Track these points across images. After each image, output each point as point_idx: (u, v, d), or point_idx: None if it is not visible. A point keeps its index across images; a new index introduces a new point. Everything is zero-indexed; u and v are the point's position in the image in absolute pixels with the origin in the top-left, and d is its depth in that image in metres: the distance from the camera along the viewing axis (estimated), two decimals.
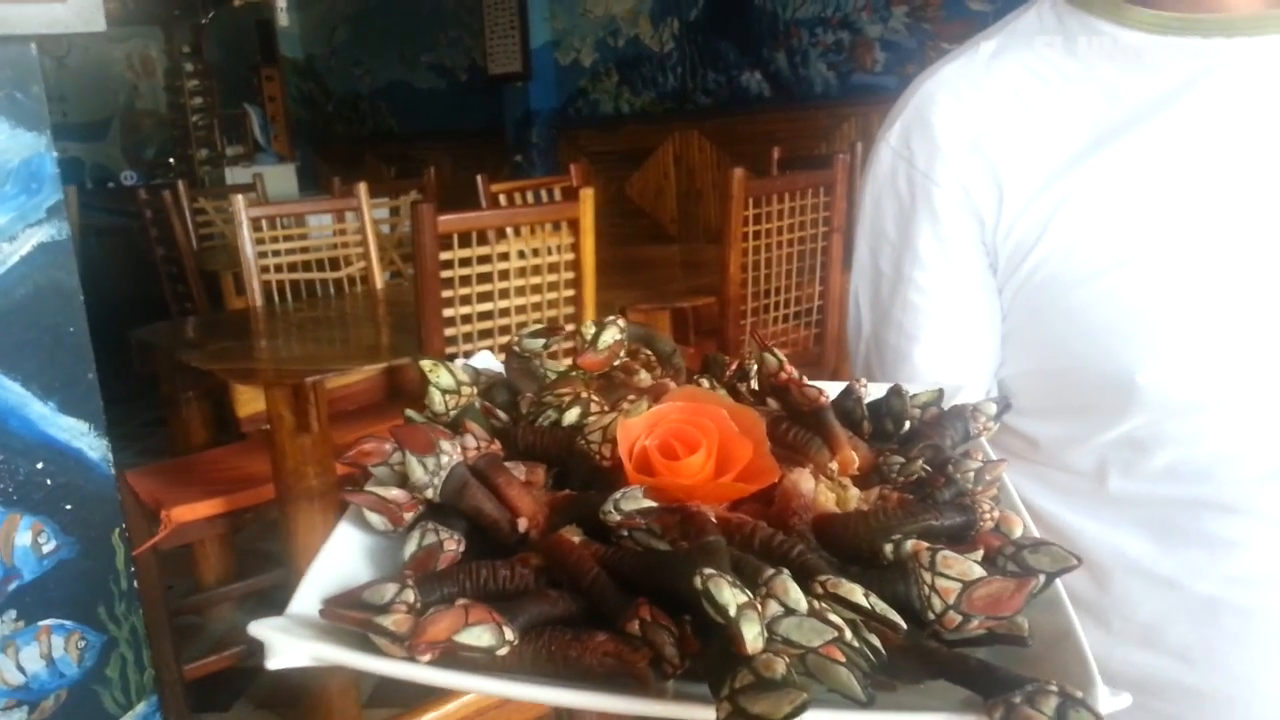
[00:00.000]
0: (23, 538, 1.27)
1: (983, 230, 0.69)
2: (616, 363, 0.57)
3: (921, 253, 0.72)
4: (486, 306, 2.16)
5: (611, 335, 0.56)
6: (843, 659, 0.37)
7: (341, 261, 3.25)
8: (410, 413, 0.53)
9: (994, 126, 0.68)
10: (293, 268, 3.14)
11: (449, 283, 2.10)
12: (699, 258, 3.20)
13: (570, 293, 2.25)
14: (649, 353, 0.61)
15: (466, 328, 2.14)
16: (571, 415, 0.52)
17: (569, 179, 3.79)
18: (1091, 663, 0.39)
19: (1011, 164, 0.67)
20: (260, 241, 3.00)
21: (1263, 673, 0.67)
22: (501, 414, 0.55)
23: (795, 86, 4.57)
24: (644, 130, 5.20)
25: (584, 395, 0.53)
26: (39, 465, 1.25)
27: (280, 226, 3.17)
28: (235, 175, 6.09)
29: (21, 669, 1.30)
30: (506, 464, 0.48)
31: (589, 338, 0.57)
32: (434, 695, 0.76)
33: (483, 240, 2.16)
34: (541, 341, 0.59)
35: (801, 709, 0.34)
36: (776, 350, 0.52)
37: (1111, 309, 0.65)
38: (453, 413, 0.52)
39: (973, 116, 0.69)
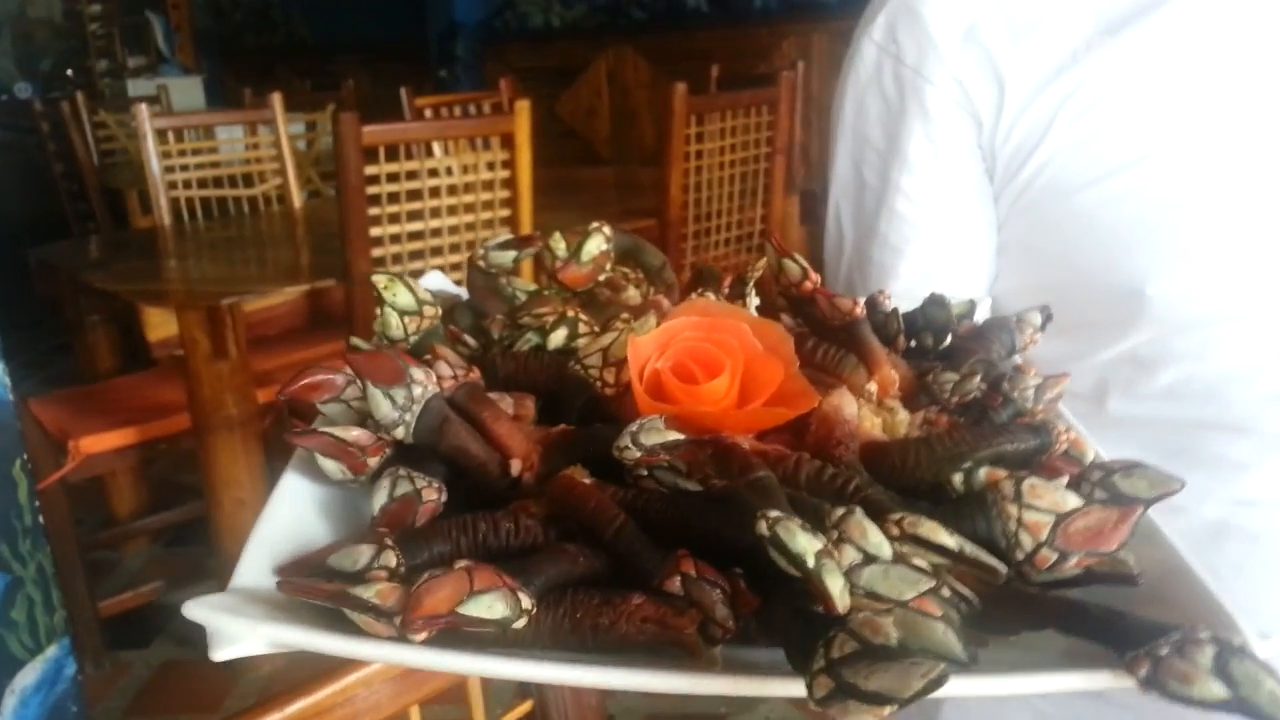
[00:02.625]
0: None
1: (980, 132, 0.63)
2: (601, 278, 0.49)
3: (911, 157, 0.65)
4: (416, 226, 2.04)
5: (596, 245, 0.48)
6: (938, 613, 0.31)
7: (255, 178, 3.06)
8: (356, 341, 0.44)
9: (991, 14, 0.62)
10: (202, 184, 2.94)
11: (375, 200, 1.98)
12: (634, 180, 3.09)
13: (505, 213, 2.14)
14: (626, 270, 0.53)
15: (395, 248, 2.02)
16: (558, 338, 0.44)
17: (498, 95, 3.63)
18: (1221, 600, 0.35)
19: (1012, 55, 0.61)
20: (167, 155, 2.79)
21: (1267, 598, 0.64)
22: (470, 339, 0.46)
23: (734, 2, 4.42)
24: (575, 46, 5.00)
25: (570, 314, 0.45)
26: None
27: (188, 139, 2.96)
28: (138, 88, 5.72)
29: None
30: (490, 395, 0.40)
31: (566, 250, 0.48)
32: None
33: (410, 155, 2.03)
34: (511, 254, 0.50)
35: (939, 682, 0.27)
36: (798, 256, 0.45)
37: (1121, 214, 0.60)
38: (413, 338, 0.43)
39: (967, 3, 0.62)
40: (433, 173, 2.04)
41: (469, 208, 2.10)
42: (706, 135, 2.42)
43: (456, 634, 0.31)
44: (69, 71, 6.77)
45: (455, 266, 2.12)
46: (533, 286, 0.50)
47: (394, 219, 2.01)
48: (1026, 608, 0.33)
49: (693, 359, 0.40)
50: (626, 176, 3.40)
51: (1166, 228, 0.59)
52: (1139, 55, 0.59)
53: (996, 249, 0.67)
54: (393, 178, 1.99)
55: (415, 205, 2.03)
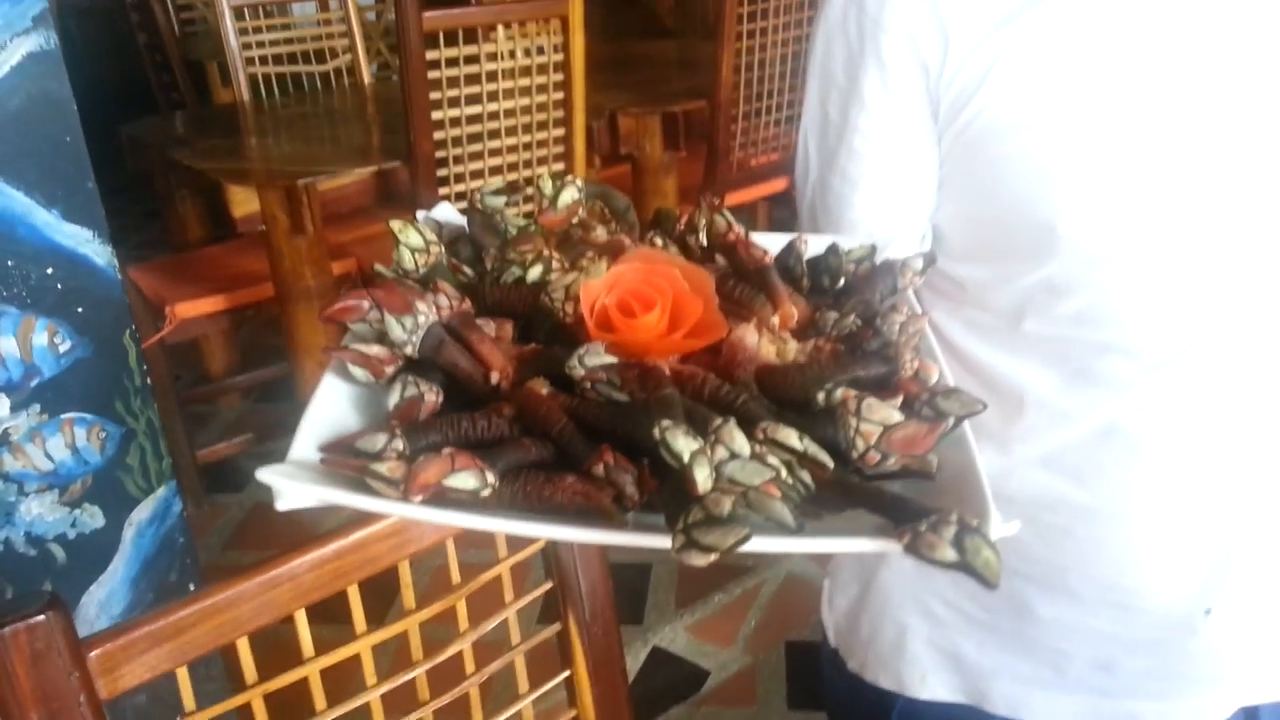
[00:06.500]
0: (40, 338, 1.35)
1: (927, 78, 0.70)
2: (575, 220, 0.61)
3: (867, 99, 0.73)
4: (476, 109, 2.14)
5: (570, 195, 0.60)
6: (778, 494, 0.43)
7: (327, 54, 3.18)
8: (380, 268, 0.57)
9: None
10: (278, 60, 3.07)
11: (437, 84, 2.08)
12: (695, 55, 3.11)
13: (560, 95, 2.22)
14: (604, 208, 0.65)
15: (455, 131, 2.14)
16: (535, 272, 0.57)
17: None
18: (988, 494, 0.45)
19: (957, 13, 0.68)
20: (244, 31, 2.92)
21: (1142, 488, 0.75)
22: (467, 269, 0.59)
23: None
24: None
25: (545, 253, 0.57)
26: (49, 270, 1.31)
27: (263, 16, 3.08)
28: None
29: (49, 456, 1.41)
30: (477, 320, 0.53)
31: (548, 195, 0.61)
32: None
33: (470, 38, 2.12)
34: (502, 199, 0.62)
35: (744, 540, 0.40)
36: (726, 211, 0.56)
37: (1040, 159, 0.68)
38: (422, 270, 0.57)
39: None
40: (492, 56, 2.13)
41: (525, 90, 2.19)
42: (762, 13, 2.44)
43: (443, 498, 0.44)
44: None
45: (511, 149, 2.23)
46: (522, 222, 0.63)
47: (454, 102, 2.11)
48: (848, 493, 0.46)
49: (633, 296, 0.53)
50: (687, 51, 3.41)
51: (1077, 174, 0.67)
52: (1063, 20, 0.66)
53: (938, 183, 0.75)
54: (453, 61, 2.08)
55: (474, 89, 2.13)
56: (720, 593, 2.08)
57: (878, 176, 0.76)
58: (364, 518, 0.81)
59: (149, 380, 1.47)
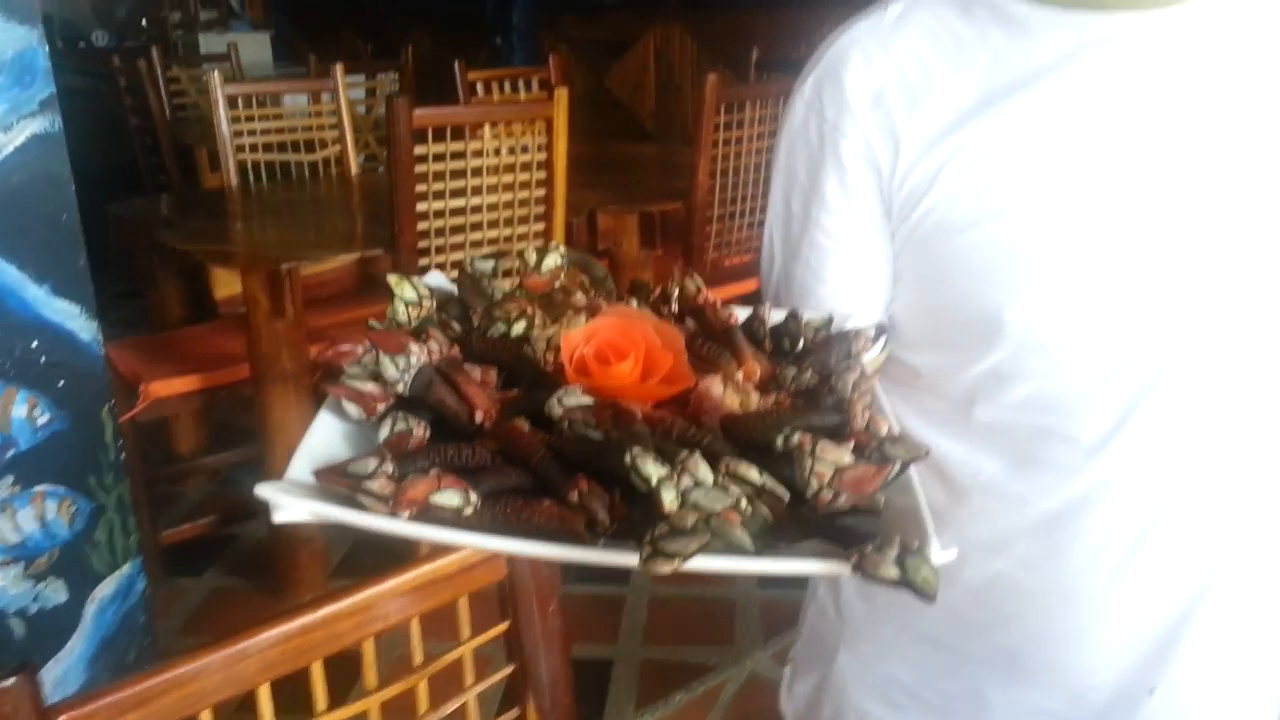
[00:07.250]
0: (19, 410, 1.36)
1: (880, 179, 0.76)
2: (557, 285, 0.66)
3: (828, 198, 0.79)
4: (459, 203, 2.22)
5: (553, 260, 0.65)
6: (738, 520, 0.47)
7: (316, 144, 3.27)
8: (373, 322, 0.62)
9: (895, 85, 0.75)
10: (268, 148, 3.16)
11: (423, 177, 2.15)
12: (675, 159, 3.22)
13: (541, 192, 2.30)
14: (584, 279, 0.70)
15: (439, 222, 2.21)
16: (519, 327, 0.61)
17: (547, 70, 3.79)
18: (929, 527, 0.49)
19: (908, 120, 0.74)
20: (236, 120, 3.01)
21: (1089, 574, 0.78)
22: (456, 325, 0.64)
23: None
24: (626, 20, 5.14)
25: (529, 311, 0.62)
26: (34, 344, 1.33)
27: (256, 105, 3.18)
28: (209, 43, 5.98)
29: (18, 529, 1.40)
30: (464, 365, 0.57)
31: (533, 262, 0.66)
32: (393, 563, 0.86)
33: (458, 135, 2.20)
34: (491, 264, 0.67)
35: (705, 545, 0.44)
36: (696, 276, 0.61)
37: (986, 254, 0.73)
38: (414, 323, 0.61)
39: (877, 75, 0.75)
40: (478, 153, 2.22)
41: (509, 186, 2.27)
42: (738, 123, 2.56)
43: (428, 515, 0.48)
44: (144, 21, 7.01)
45: (492, 241, 2.30)
46: (508, 287, 0.67)
47: (440, 195, 2.18)
48: (803, 524, 0.50)
49: (609, 347, 0.57)
50: (666, 155, 3.54)
51: (1021, 266, 0.72)
52: (1008, 126, 0.72)
53: (893, 277, 0.80)
54: (440, 156, 2.16)
55: (460, 183, 2.20)
56: (681, 692, 2.07)
57: (838, 269, 0.81)
58: (328, 596, 0.83)
59: (123, 455, 1.48)
